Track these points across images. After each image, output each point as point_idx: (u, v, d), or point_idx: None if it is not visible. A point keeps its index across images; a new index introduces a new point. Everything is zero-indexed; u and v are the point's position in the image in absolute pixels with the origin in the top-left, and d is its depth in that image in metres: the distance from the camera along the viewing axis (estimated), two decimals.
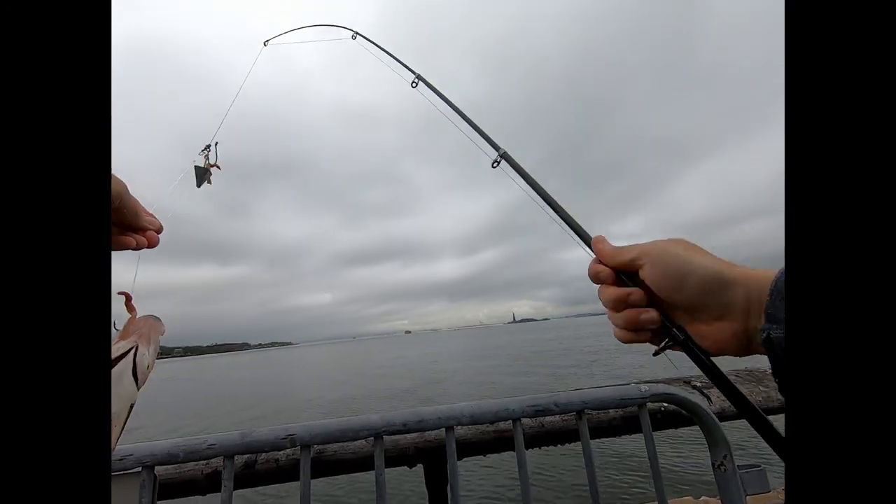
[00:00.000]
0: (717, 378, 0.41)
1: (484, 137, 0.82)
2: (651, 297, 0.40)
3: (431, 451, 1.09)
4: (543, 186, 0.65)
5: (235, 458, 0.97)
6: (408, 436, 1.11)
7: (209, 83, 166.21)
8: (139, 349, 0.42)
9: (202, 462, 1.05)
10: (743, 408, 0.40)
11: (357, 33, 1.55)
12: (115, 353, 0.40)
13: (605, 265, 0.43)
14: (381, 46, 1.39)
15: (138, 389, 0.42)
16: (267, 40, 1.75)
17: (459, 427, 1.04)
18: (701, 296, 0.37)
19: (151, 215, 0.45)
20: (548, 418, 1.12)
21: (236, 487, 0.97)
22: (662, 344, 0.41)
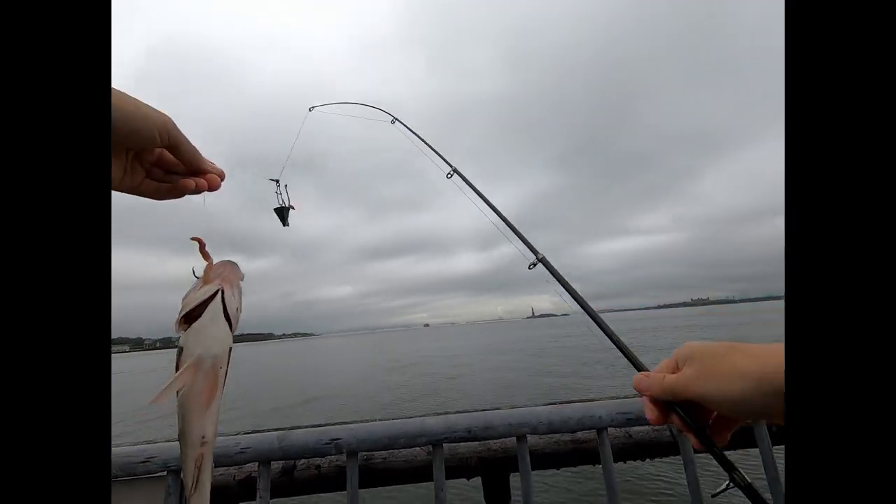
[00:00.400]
0: None
1: (522, 239, 0.91)
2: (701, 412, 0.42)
3: (495, 461, 0.92)
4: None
5: (272, 463, 0.83)
6: (469, 444, 0.95)
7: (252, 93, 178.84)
8: (225, 292, 0.41)
9: (234, 467, 0.92)
10: None
11: (396, 118, 1.65)
12: (201, 297, 0.40)
13: (654, 399, 0.43)
14: (419, 134, 1.48)
15: (232, 332, 0.42)
16: (312, 107, 1.89)
17: (532, 435, 0.86)
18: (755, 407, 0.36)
19: (212, 162, 0.44)
20: (635, 428, 0.93)
21: (273, 496, 0.83)
22: (724, 486, 0.50)
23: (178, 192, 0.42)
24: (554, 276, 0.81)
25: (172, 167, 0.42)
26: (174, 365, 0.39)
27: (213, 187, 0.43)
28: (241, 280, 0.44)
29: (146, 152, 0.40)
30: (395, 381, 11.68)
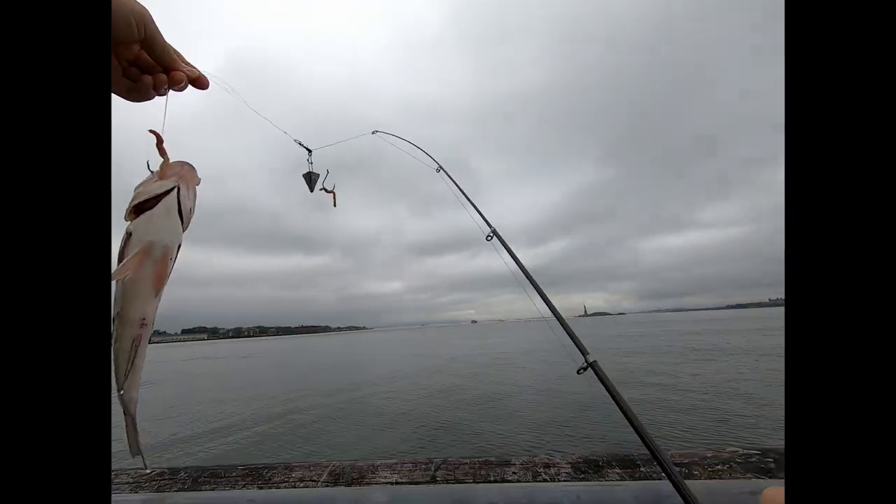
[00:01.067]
0: None
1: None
2: None
3: None
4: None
5: None
6: None
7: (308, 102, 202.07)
8: (181, 190, 0.41)
9: None
10: None
11: (441, 167, 1.67)
12: (157, 190, 0.40)
13: None
14: (461, 187, 1.52)
15: (183, 231, 0.42)
16: (375, 131, 2.00)
17: None
18: None
19: (191, 65, 0.43)
20: None
21: None
22: None
23: (144, 91, 0.41)
24: (506, 248, 0.83)
25: (149, 68, 0.41)
26: (119, 251, 0.39)
27: (174, 82, 0.41)
28: (198, 184, 0.44)
29: (124, 48, 0.39)
30: (431, 384, 10.69)
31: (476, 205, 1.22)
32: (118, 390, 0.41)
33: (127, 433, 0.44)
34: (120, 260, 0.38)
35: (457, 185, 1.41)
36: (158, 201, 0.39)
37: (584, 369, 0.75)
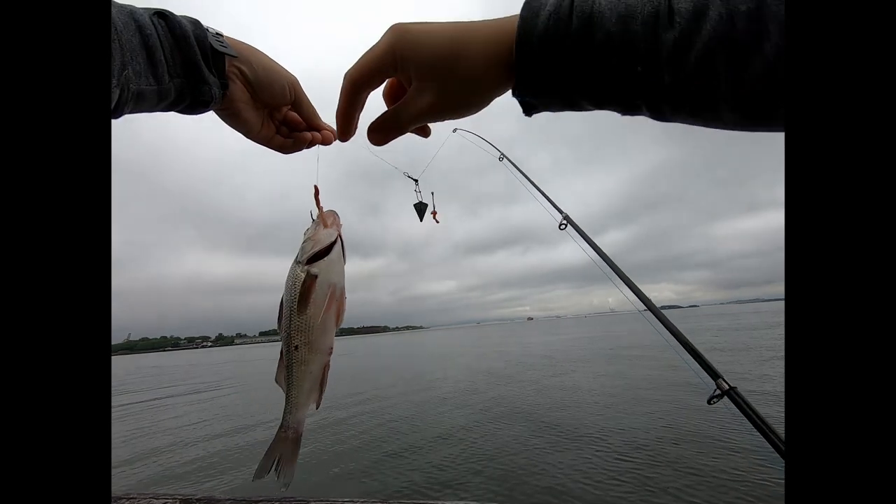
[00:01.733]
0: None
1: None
2: None
3: None
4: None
5: None
6: None
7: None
8: (341, 237, 0.49)
9: None
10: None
11: (504, 154, 1.72)
12: (328, 240, 0.47)
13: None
14: (526, 174, 1.50)
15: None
16: (455, 129, 2.07)
17: None
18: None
19: (326, 124, 0.50)
20: None
21: None
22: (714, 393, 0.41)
23: (298, 145, 0.49)
24: (582, 235, 0.77)
25: (296, 126, 0.49)
26: (299, 289, 0.45)
27: (326, 142, 0.49)
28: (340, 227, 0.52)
29: (277, 110, 0.47)
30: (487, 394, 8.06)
31: (545, 192, 1.14)
32: (291, 412, 0.46)
33: (281, 456, 0.46)
34: (304, 298, 0.45)
35: (523, 173, 1.38)
36: (331, 249, 0.46)
37: (718, 398, 0.59)
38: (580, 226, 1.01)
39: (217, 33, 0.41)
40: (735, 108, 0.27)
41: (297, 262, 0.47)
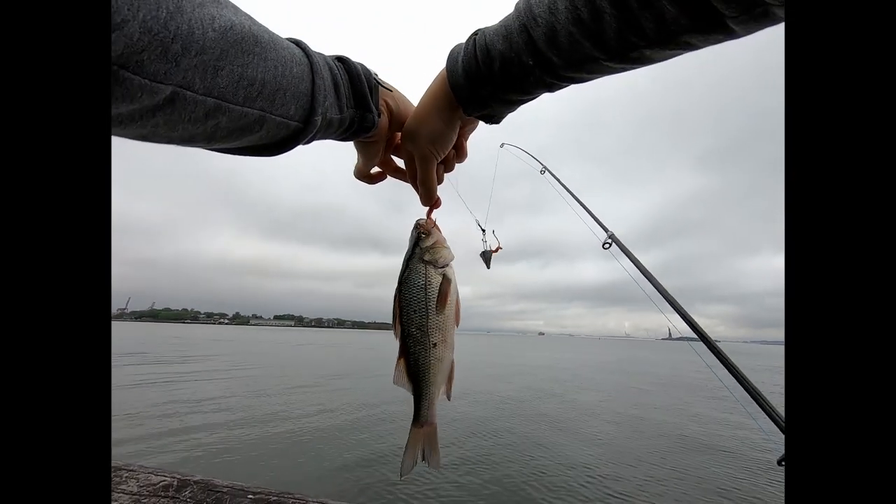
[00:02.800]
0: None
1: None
2: None
3: None
4: None
5: None
6: None
7: None
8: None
9: None
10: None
11: (546, 168, 1.71)
12: (450, 257, 0.54)
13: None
14: (567, 187, 1.47)
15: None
16: (503, 143, 2.13)
17: None
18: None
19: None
20: None
21: None
22: None
23: (429, 200, 0.55)
24: (628, 255, 0.76)
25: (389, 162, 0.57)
26: (437, 288, 0.52)
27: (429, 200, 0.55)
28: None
29: (389, 145, 0.55)
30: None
31: (589, 208, 1.09)
32: (429, 406, 0.51)
33: (425, 448, 0.52)
34: (442, 298, 0.51)
35: (567, 189, 1.36)
36: (447, 263, 0.53)
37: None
38: (624, 247, 0.97)
39: (376, 74, 0.51)
40: (609, 59, 0.37)
41: (424, 262, 0.53)
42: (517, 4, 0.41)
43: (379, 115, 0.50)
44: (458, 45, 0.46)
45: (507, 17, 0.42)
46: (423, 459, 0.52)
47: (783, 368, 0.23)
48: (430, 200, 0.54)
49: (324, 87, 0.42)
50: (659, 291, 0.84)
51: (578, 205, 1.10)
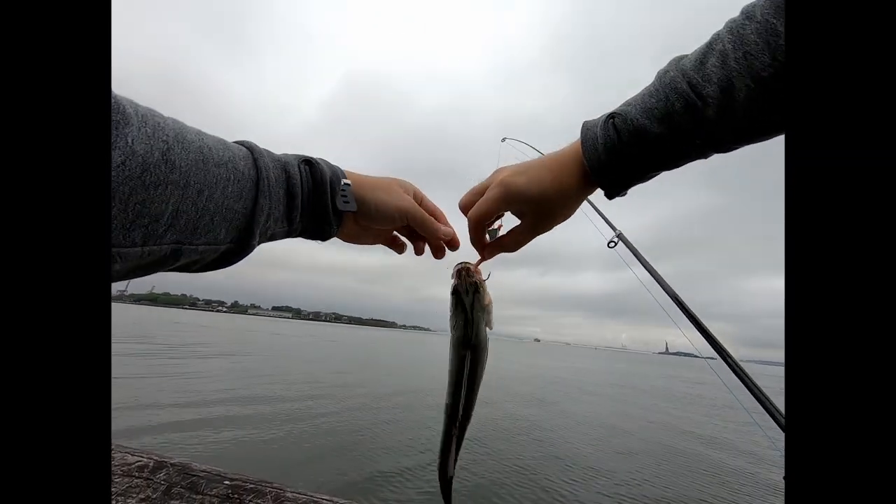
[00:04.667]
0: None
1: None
2: None
3: None
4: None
5: None
6: None
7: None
8: None
9: None
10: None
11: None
12: (489, 298, 0.47)
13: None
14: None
15: None
16: (504, 138, 2.09)
17: None
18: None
19: (446, 225, 0.51)
20: None
21: None
22: None
23: (416, 250, 0.52)
24: (636, 255, 0.72)
25: (413, 233, 0.51)
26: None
27: (437, 254, 0.51)
28: None
29: (392, 229, 0.50)
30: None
31: (596, 206, 1.05)
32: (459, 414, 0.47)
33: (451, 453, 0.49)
34: (482, 367, 0.46)
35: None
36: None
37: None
38: (631, 246, 0.92)
39: (346, 184, 0.44)
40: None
41: (485, 322, 0.47)
42: (667, 81, 0.37)
43: (338, 227, 0.45)
44: (592, 130, 0.42)
45: (653, 96, 0.38)
46: None
47: (781, 390, 0.23)
48: (494, 254, 0.50)
49: (268, 204, 0.38)
50: (668, 294, 0.79)
51: (586, 202, 1.03)
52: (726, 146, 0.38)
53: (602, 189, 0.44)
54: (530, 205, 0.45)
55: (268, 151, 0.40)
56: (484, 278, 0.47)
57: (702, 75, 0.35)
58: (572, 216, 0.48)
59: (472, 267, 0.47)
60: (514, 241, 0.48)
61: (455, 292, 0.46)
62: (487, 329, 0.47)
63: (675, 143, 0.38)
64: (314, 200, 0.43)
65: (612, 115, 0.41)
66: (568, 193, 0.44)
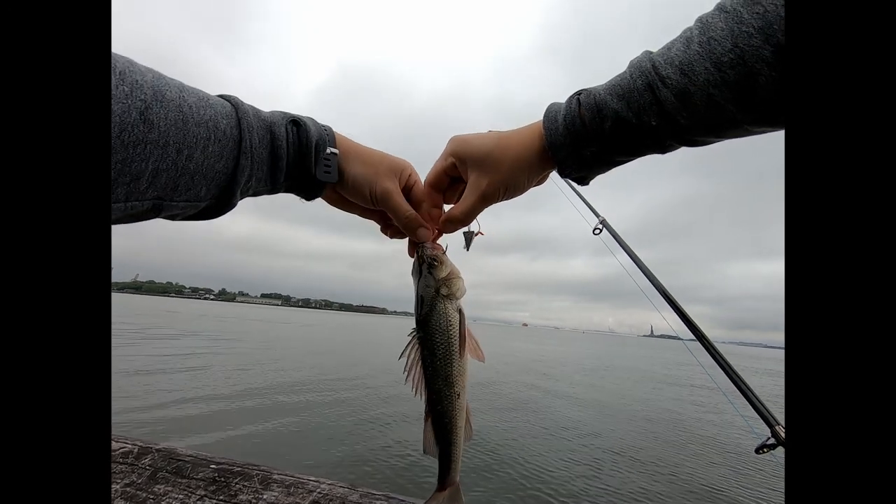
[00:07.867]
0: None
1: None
2: None
3: None
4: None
5: None
6: None
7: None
8: None
9: None
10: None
11: None
12: (464, 291, 0.47)
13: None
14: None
15: None
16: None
17: None
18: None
19: (426, 222, 0.49)
20: None
21: None
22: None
23: (388, 234, 0.52)
24: (617, 241, 0.73)
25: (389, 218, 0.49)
26: (458, 328, 0.45)
27: (411, 233, 0.49)
28: None
29: (373, 211, 0.49)
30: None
31: (579, 191, 1.06)
32: (455, 468, 0.45)
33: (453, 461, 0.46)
34: (463, 338, 0.45)
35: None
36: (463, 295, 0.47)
37: (770, 448, 0.54)
38: (615, 233, 0.95)
39: (332, 152, 0.43)
40: (754, 122, 0.33)
41: (442, 296, 0.45)
42: (634, 62, 0.38)
43: (323, 188, 0.45)
44: (557, 104, 0.43)
45: (620, 76, 0.39)
46: None
47: (766, 369, 0.23)
48: (454, 230, 0.50)
49: (250, 165, 0.37)
50: (649, 280, 0.81)
51: (569, 188, 1.05)
52: (689, 137, 0.38)
53: (557, 165, 0.44)
54: (474, 158, 0.45)
55: (253, 109, 0.39)
56: (443, 251, 0.47)
57: (665, 58, 0.36)
58: (527, 192, 0.47)
59: (429, 244, 0.46)
60: (462, 209, 0.47)
61: (412, 272, 0.46)
62: (452, 303, 0.46)
63: (630, 122, 0.38)
64: (299, 162, 0.42)
65: (578, 92, 0.42)
66: (518, 162, 0.44)
